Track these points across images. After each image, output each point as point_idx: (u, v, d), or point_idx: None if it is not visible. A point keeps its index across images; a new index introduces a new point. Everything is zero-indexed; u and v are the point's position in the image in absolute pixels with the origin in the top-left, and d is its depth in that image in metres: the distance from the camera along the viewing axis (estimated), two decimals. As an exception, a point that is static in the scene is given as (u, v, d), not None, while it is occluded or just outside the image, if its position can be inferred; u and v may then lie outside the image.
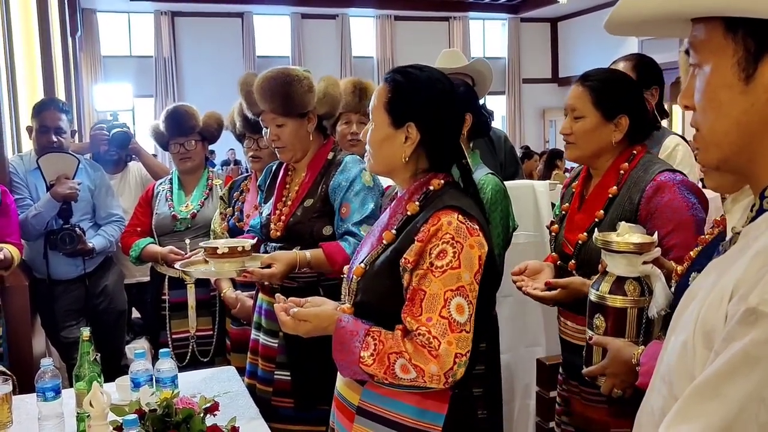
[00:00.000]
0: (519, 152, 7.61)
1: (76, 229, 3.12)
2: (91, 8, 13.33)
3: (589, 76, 1.91)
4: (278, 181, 2.36)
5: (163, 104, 12.96)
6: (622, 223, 1.63)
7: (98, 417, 1.46)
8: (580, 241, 1.89)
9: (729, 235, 1.23)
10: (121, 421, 1.48)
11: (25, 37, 4.56)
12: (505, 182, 2.38)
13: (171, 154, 3.19)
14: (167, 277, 3.07)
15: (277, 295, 1.66)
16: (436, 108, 1.54)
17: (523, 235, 2.78)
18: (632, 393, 1.49)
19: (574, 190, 2.04)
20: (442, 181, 1.56)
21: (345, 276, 1.68)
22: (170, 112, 3.13)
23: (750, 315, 0.69)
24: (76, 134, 4.53)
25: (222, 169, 10.52)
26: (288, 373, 2.23)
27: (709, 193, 2.03)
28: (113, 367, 2.99)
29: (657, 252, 1.57)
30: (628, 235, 1.58)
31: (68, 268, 3.23)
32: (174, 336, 3.03)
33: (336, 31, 15.23)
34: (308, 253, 2.13)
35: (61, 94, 5.56)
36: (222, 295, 2.81)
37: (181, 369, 2.20)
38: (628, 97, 1.88)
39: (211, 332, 3.04)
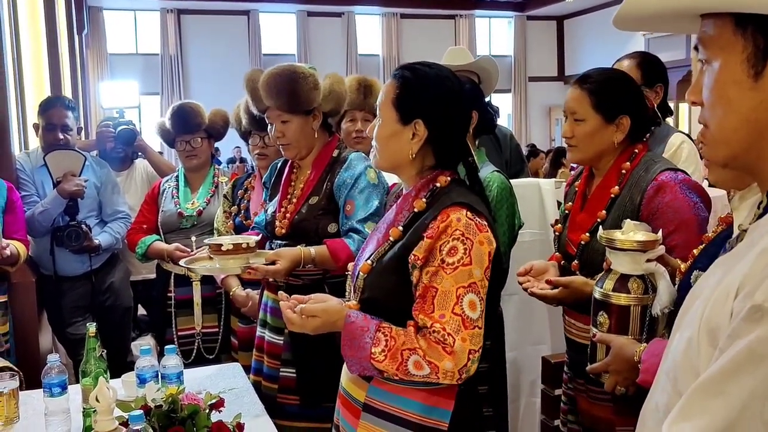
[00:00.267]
0: (525, 150, 7.60)
1: (83, 226, 3.13)
2: (98, 6, 13.37)
3: (587, 77, 1.89)
4: (283, 179, 2.36)
5: (169, 101, 13.00)
6: (627, 221, 1.63)
7: (104, 412, 1.46)
8: (582, 242, 1.89)
9: (736, 232, 1.23)
10: (126, 417, 1.49)
11: (32, 35, 4.58)
12: (510, 180, 2.38)
13: (177, 151, 3.20)
14: (173, 274, 3.07)
15: (280, 293, 1.66)
16: (445, 105, 1.54)
17: (529, 233, 2.77)
18: (635, 390, 1.49)
19: (576, 189, 2.04)
20: (449, 178, 1.56)
21: (349, 273, 1.69)
22: (176, 110, 3.14)
23: (755, 312, 0.69)
24: (83, 131, 4.54)
25: (228, 167, 10.53)
26: (293, 370, 2.23)
27: (715, 191, 2.02)
28: (119, 363, 3.00)
29: (661, 250, 1.57)
30: (632, 232, 1.57)
31: (75, 264, 3.24)
32: (180, 333, 3.04)
33: (342, 29, 15.23)
34: (313, 250, 2.13)
35: (67, 92, 5.59)
36: (231, 294, 2.80)
37: (187, 366, 2.20)
38: (628, 98, 1.87)
39: (217, 329, 3.04)
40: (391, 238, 1.55)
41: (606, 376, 1.58)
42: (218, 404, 1.70)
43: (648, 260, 1.55)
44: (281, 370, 2.27)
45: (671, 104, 2.78)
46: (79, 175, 3.14)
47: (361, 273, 1.58)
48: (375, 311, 1.52)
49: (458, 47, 3.65)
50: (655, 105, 2.55)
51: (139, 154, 3.85)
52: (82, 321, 3.20)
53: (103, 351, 1.89)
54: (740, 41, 0.79)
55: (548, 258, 2.09)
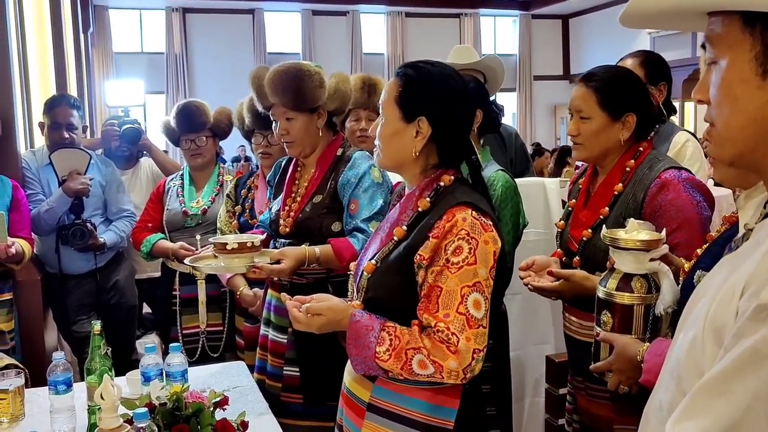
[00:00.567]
0: (529, 149, 7.59)
1: (88, 224, 3.14)
2: (103, 5, 13.40)
3: (592, 75, 1.89)
4: (287, 177, 2.36)
5: (174, 100, 13.02)
6: (631, 220, 1.62)
7: (109, 410, 1.46)
8: (584, 238, 1.89)
9: (741, 231, 1.22)
10: (131, 415, 1.49)
11: (37, 34, 4.59)
12: (515, 179, 2.37)
13: (182, 150, 3.21)
14: (178, 272, 3.08)
15: (283, 294, 1.66)
16: (449, 103, 1.54)
17: (533, 232, 2.77)
18: (638, 390, 1.49)
19: (580, 186, 2.03)
20: (453, 177, 1.56)
21: (352, 273, 1.68)
22: (181, 108, 3.14)
23: (761, 312, 0.68)
24: (88, 130, 4.55)
25: (233, 166, 10.54)
26: (297, 369, 2.23)
27: (720, 191, 2.01)
28: (124, 361, 3.01)
29: (664, 249, 1.56)
30: (636, 232, 1.57)
31: (80, 263, 3.25)
32: (184, 331, 3.04)
33: (347, 28, 15.22)
34: (317, 249, 2.13)
35: (73, 90, 5.60)
36: (238, 294, 2.79)
37: (192, 364, 2.21)
38: (634, 95, 1.87)
39: (222, 328, 3.05)
40: (395, 238, 1.54)
41: (609, 375, 1.58)
42: (222, 402, 1.70)
43: (651, 259, 1.55)
44: (285, 368, 2.27)
45: (676, 103, 2.77)
46: (85, 174, 3.15)
47: (365, 273, 1.57)
48: (379, 311, 1.52)
49: (464, 46, 3.64)
50: (660, 103, 2.55)
51: (144, 152, 3.86)
52: (87, 319, 3.21)
53: (108, 349, 1.90)
54: (748, 39, 0.78)
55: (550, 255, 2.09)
